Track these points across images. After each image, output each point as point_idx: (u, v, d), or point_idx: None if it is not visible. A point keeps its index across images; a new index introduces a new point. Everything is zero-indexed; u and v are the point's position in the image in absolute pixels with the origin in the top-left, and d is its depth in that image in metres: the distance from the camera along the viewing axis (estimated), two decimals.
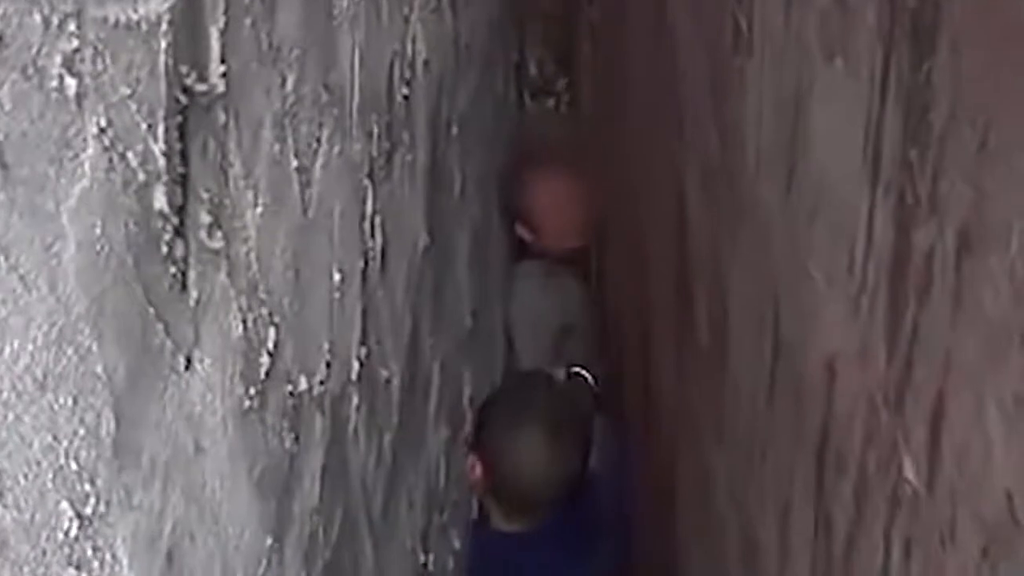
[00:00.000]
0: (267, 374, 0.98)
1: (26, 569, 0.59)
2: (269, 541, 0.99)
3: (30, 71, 0.57)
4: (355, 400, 1.34)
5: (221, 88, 0.83)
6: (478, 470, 1.85)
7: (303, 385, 1.11)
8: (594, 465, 1.87)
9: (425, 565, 1.81)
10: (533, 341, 2.67)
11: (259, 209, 0.96)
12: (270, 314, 0.99)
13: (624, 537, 2.11)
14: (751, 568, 1.45)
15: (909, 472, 0.87)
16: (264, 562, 0.98)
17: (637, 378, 2.39)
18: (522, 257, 2.77)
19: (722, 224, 1.54)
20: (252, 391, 0.94)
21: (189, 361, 0.81)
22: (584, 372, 2.32)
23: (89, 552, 0.66)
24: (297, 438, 1.09)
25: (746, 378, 1.42)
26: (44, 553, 0.61)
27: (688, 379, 1.88)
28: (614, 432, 2.20)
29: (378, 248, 1.46)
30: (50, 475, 0.62)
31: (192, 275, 0.81)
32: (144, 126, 0.71)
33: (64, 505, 0.63)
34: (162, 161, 0.74)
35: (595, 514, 1.94)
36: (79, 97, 0.62)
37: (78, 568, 0.65)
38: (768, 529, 1.33)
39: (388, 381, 1.54)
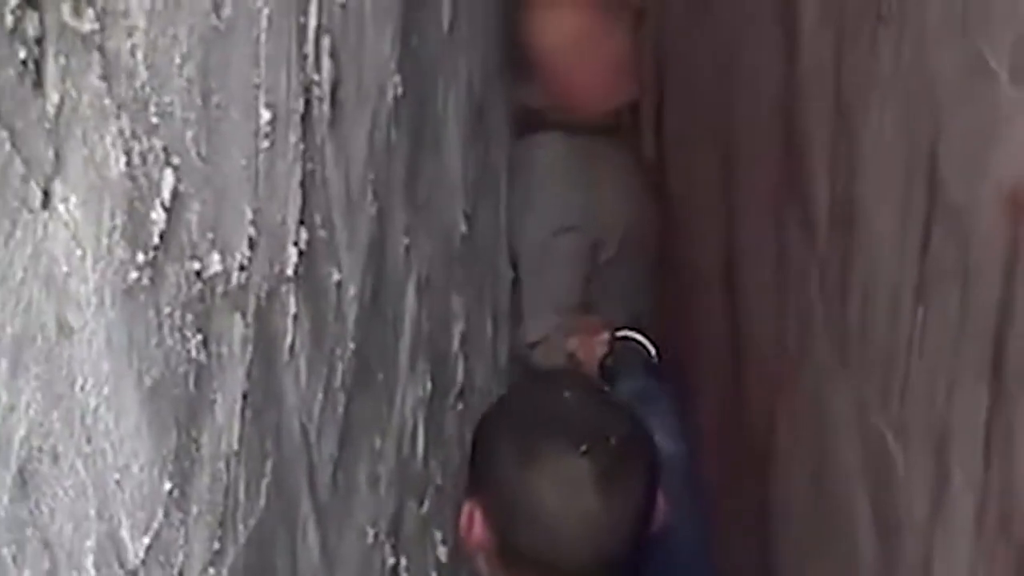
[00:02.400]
0: (162, 238, 0.99)
1: None
2: (167, 486, 1.01)
3: None
4: (292, 307, 1.36)
5: None
6: (477, 526, 1.70)
7: (215, 266, 1.12)
8: (665, 510, 1.71)
9: (395, 570, 1.83)
10: (552, 270, 2.62)
11: None
12: (166, 150, 1.00)
13: None
14: (889, 512, 1.47)
15: None
16: (160, 513, 0.99)
17: (716, 307, 2.40)
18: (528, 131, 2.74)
19: (851, 23, 1.54)
20: (141, 258, 0.95)
21: (47, 195, 0.82)
22: (637, 336, 2.28)
23: None
24: (206, 343, 1.10)
25: (886, 259, 1.42)
26: None
27: (795, 282, 1.89)
28: (688, 425, 2.11)
29: (326, 84, 1.47)
30: None
31: (51, 68, 0.82)
32: None
33: None
34: None
35: None
36: None
37: None
38: (915, 467, 1.35)
39: (340, 287, 1.55)
